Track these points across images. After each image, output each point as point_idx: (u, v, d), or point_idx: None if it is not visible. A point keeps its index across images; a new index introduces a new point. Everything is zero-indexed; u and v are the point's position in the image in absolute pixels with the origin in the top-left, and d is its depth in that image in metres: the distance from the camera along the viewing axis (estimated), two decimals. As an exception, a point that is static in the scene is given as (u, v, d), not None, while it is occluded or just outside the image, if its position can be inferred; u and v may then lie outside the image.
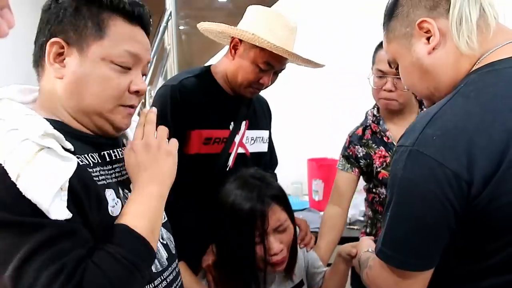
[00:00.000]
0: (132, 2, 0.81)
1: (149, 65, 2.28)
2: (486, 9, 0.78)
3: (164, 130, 0.86)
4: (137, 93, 0.83)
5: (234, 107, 1.45)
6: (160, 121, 1.28)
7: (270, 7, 1.43)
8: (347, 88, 2.66)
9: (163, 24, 2.47)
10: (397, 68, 0.93)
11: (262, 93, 1.59)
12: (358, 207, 2.31)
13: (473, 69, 0.79)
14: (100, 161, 0.80)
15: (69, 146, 0.72)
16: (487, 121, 0.70)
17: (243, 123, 1.47)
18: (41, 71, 0.81)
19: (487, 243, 0.74)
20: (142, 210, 0.75)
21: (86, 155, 0.77)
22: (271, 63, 1.32)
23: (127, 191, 0.84)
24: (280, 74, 1.44)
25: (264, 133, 1.58)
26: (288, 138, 2.56)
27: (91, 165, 0.77)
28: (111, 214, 0.76)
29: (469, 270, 0.78)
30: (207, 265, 1.27)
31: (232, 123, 1.44)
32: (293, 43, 1.38)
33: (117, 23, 0.79)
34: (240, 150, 1.47)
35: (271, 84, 1.41)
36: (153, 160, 0.80)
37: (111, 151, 0.85)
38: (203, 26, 1.40)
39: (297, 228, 1.32)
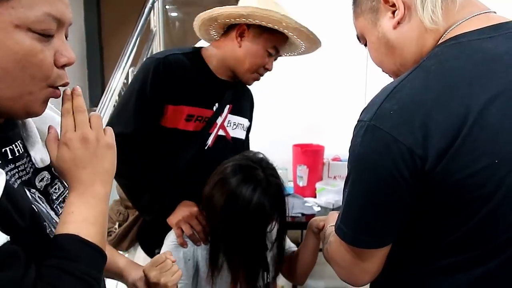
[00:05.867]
0: None
1: (133, 45, 2.27)
2: None
3: (99, 118, 0.71)
4: (65, 66, 0.65)
5: (220, 90, 1.47)
6: (139, 92, 1.35)
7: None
8: (333, 74, 2.63)
9: (149, 4, 2.43)
10: (365, 44, 0.92)
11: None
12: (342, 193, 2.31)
13: (439, 43, 0.77)
14: (1, 162, 0.63)
15: None
16: (446, 95, 0.68)
17: (227, 106, 1.50)
18: None
19: (445, 220, 0.73)
20: (91, 215, 0.65)
21: None
22: (278, 47, 1.42)
23: (34, 190, 0.69)
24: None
25: (245, 121, 1.61)
26: (274, 124, 2.55)
27: None
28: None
29: (430, 248, 0.77)
30: (178, 221, 1.30)
31: (216, 104, 1.46)
32: None
33: None
34: (221, 132, 1.50)
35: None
36: (93, 155, 0.67)
37: (13, 145, 0.67)
38: (215, 11, 1.37)
39: None
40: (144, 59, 2.49)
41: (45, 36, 0.60)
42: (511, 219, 0.68)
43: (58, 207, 0.73)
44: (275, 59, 1.48)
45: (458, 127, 0.66)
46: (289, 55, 1.57)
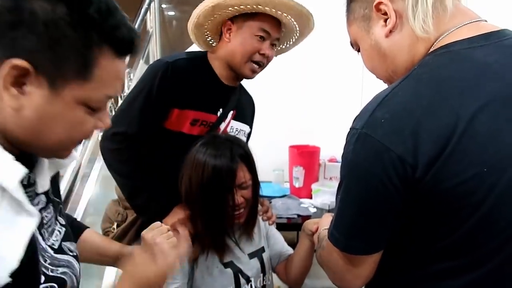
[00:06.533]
0: (130, 29, 0.65)
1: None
2: None
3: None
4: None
5: (224, 95, 1.50)
6: (146, 94, 1.36)
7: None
8: (330, 75, 2.64)
9: (145, 5, 2.43)
10: (358, 50, 0.92)
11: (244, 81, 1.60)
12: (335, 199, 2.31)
13: (430, 51, 0.77)
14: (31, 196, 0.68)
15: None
16: (436, 104, 0.69)
17: (231, 112, 1.52)
18: None
19: (436, 226, 0.73)
20: None
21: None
22: (267, 29, 1.40)
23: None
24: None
25: (246, 128, 1.63)
26: (270, 125, 2.55)
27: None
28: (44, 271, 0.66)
29: (420, 254, 0.77)
30: (173, 223, 1.31)
31: (220, 109, 1.48)
32: None
33: (105, 60, 0.62)
34: None
35: (270, 59, 1.46)
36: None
37: (30, 174, 0.70)
38: (193, 17, 1.40)
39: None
40: (141, 61, 2.51)
41: (96, 110, 0.67)
42: (500, 227, 0.69)
43: (45, 231, 0.73)
44: (274, 46, 1.46)
45: (448, 135, 0.67)
46: (289, 45, 1.56)
